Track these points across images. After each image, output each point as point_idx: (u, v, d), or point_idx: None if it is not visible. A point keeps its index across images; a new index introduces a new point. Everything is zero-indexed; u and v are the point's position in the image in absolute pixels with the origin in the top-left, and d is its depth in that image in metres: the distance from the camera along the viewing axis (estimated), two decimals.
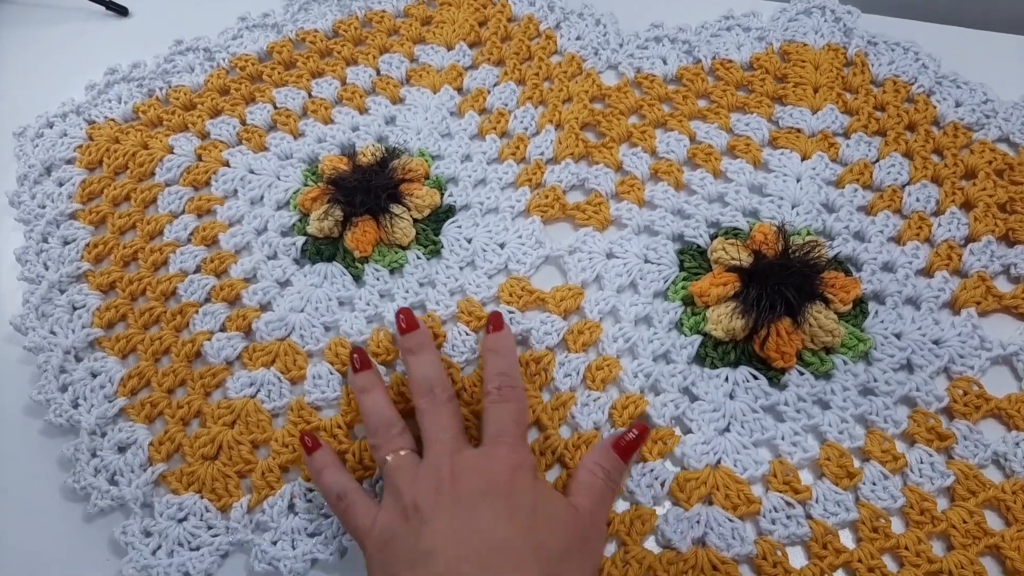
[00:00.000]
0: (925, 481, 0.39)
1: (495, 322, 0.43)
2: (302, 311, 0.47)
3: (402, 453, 0.39)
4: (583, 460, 0.40)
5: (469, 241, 0.48)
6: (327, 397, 0.44)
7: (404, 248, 0.48)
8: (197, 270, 0.49)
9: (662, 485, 0.40)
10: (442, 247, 0.48)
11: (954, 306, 0.44)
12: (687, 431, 0.42)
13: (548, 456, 0.41)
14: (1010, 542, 0.38)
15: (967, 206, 0.47)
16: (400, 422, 0.40)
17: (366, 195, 0.48)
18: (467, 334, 0.45)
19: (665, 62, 0.55)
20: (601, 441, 0.41)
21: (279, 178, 0.52)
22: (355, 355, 0.43)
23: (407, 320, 0.43)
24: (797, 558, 0.39)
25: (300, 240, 0.49)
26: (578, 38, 0.57)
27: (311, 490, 0.41)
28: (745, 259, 0.44)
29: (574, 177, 0.50)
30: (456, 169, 0.51)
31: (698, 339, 0.44)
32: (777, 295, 0.42)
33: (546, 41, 0.57)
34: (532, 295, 0.46)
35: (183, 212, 0.52)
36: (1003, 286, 0.45)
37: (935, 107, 0.51)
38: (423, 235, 0.49)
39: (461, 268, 0.48)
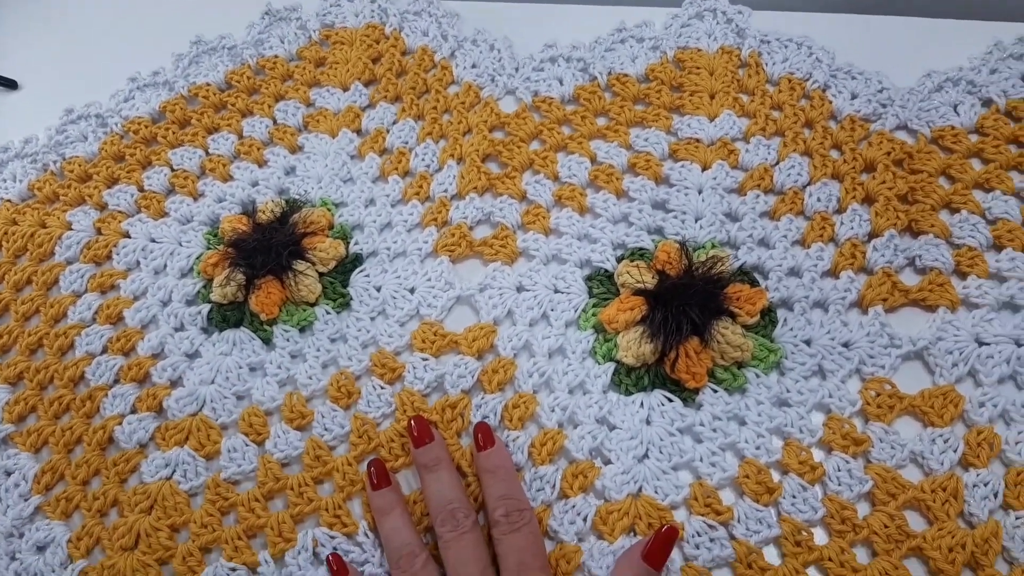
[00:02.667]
0: (844, 489, 0.39)
1: (484, 437, 0.41)
2: (212, 383, 0.46)
3: None
4: None
5: (378, 289, 0.48)
6: (244, 470, 0.43)
7: (312, 305, 0.47)
8: (104, 351, 0.48)
9: (584, 520, 0.40)
10: (351, 299, 0.48)
11: (862, 305, 0.44)
12: (607, 462, 0.41)
13: (475, 503, 0.41)
14: (932, 542, 0.38)
15: (868, 201, 0.47)
16: (424, 551, 0.39)
17: (267, 255, 0.47)
18: (382, 388, 0.44)
19: (561, 82, 0.54)
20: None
21: (181, 244, 0.51)
22: (372, 469, 0.41)
23: (420, 430, 0.41)
24: None
25: (205, 308, 0.48)
26: (474, 66, 0.56)
27: (234, 569, 0.41)
28: (649, 281, 0.44)
29: (479, 212, 0.50)
30: (360, 215, 0.51)
31: (611, 367, 0.43)
32: (682, 315, 0.42)
33: (442, 72, 0.56)
34: (445, 339, 0.46)
35: (86, 291, 0.50)
36: (911, 279, 0.45)
37: (831, 102, 0.51)
38: (330, 289, 0.48)
39: (372, 318, 0.47)
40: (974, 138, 0.49)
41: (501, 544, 0.38)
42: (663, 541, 0.37)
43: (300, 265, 0.47)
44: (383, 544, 0.40)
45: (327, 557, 0.40)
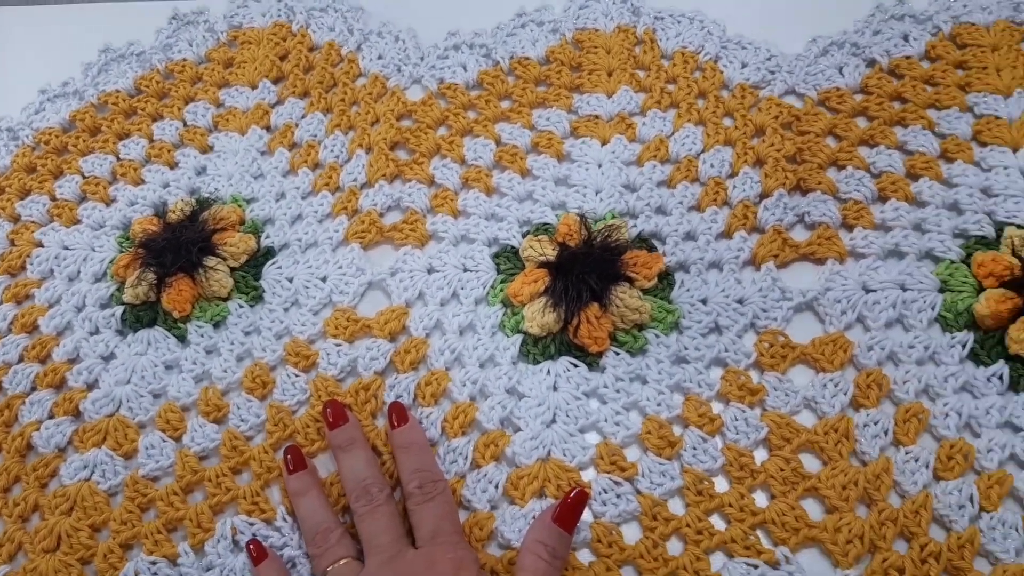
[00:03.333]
0: (741, 437, 0.41)
1: (398, 415, 0.42)
2: (128, 383, 0.46)
3: (342, 563, 0.38)
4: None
5: (290, 280, 0.48)
6: (162, 466, 0.43)
7: (224, 299, 0.48)
8: (20, 360, 0.48)
9: (496, 487, 0.41)
10: (263, 291, 0.48)
11: (754, 262, 0.46)
12: (517, 430, 0.43)
13: (392, 481, 0.42)
14: (826, 481, 0.40)
15: (759, 164, 0.49)
16: (338, 527, 0.39)
17: (176, 253, 0.47)
18: (296, 376, 0.45)
19: (465, 68, 0.55)
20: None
21: (93, 250, 0.51)
22: (288, 455, 0.42)
23: (334, 412, 0.42)
24: (633, 533, 0.40)
25: (118, 310, 0.48)
26: (380, 57, 0.57)
27: (154, 563, 0.41)
28: (550, 253, 0.46)
29: (388, 198, 0.51)
30: (271, 209, 0.51)
31: (519, 338, 0.45)
32: (581, 284, 0.44)
33: (349, 65, 0.57)
34: (358, 324, 0.46)
35: (1, 303, 0.51)
36: (801, 235, 0.47)
37: (722, 72, 0.53)
38: (242, 282, 0.48)
39: (286, 309, 0.48)
40: (859, 98, 0.51)
41: (415, 514, 0.39)
42: (573, 505, 0.38)
43: (210, 261, 0.48)
44: (300, 525, 0.40)
45: (247, 543, 0.40)
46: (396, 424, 0.42)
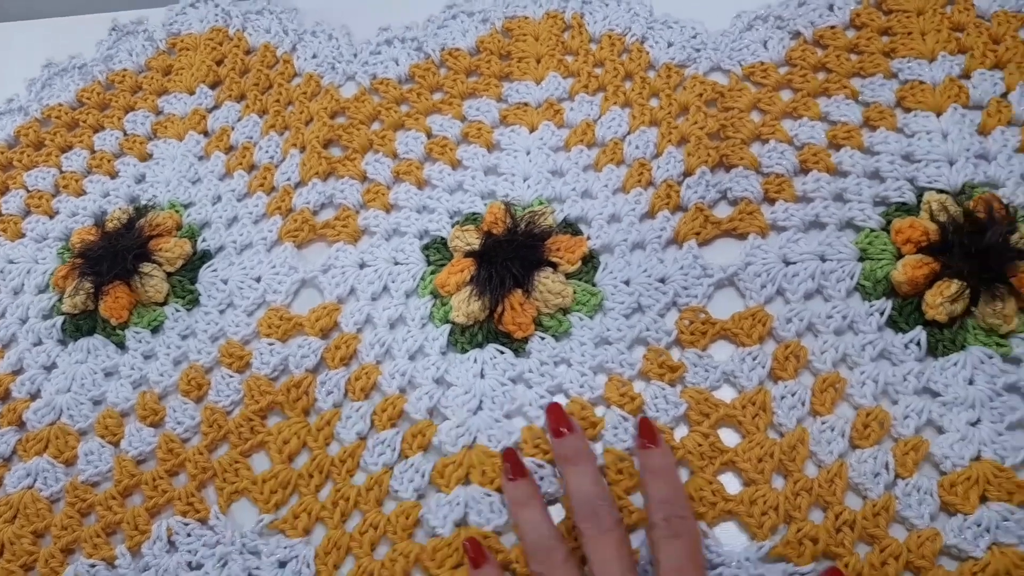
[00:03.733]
0: (661, 414, 0.41)
1: (649, 437, 0.40)
2: (68, 391, 0.47)
3: None
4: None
5: (225, 282, 0.49)
6: (101, 471, 0.45)
7: (161, 304, 0.49)
8: None
9: (423, 476, 0.42)
10: (199, 295, 0.49)
11: (677, 241, 0.47)
12: (445, 419, 0.43)
13: (317, 477, 0.43)
14: (743, 454, 0.40)
15: (683, 142, 0.49)
16: (563, 546, 0.37)
17: (112, 261, 0.48)
18: (231, 376, 0.46)
19: (397, 63, 0.56)
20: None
21: (37, 262, 0.52)
22: (508, 462, 0.40)
23: (559, 420, 0.41)
24: (557, 513, 0.41)
25: (59, 320, 0.49)
26: (314, 56, 0.57)
27: (93, 566, 0.42)
28: (474, 242, 0.46)
29: (321, 196, 0.51)
30: (208, 213, 0.52)
31: (447, 328, 0.45)
32: (504, 271, 0.44)
33: (284, 66, 0.57)
34: (291, 322, 0.47)
35: None
36: (725, 211, 0.47)
37: (648, 53, 0.53)
38: (179, 287, 0.49)
39: (221, 312, 0.49)
40: (784, 71, 0.51)
41: (658, 547, 0.36)
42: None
43: (146, 267, 0.49)
44: (520, 537, 0.39)
45: (464, 543, 0.39)
46: (646, 445, 0.40)
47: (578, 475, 0.39)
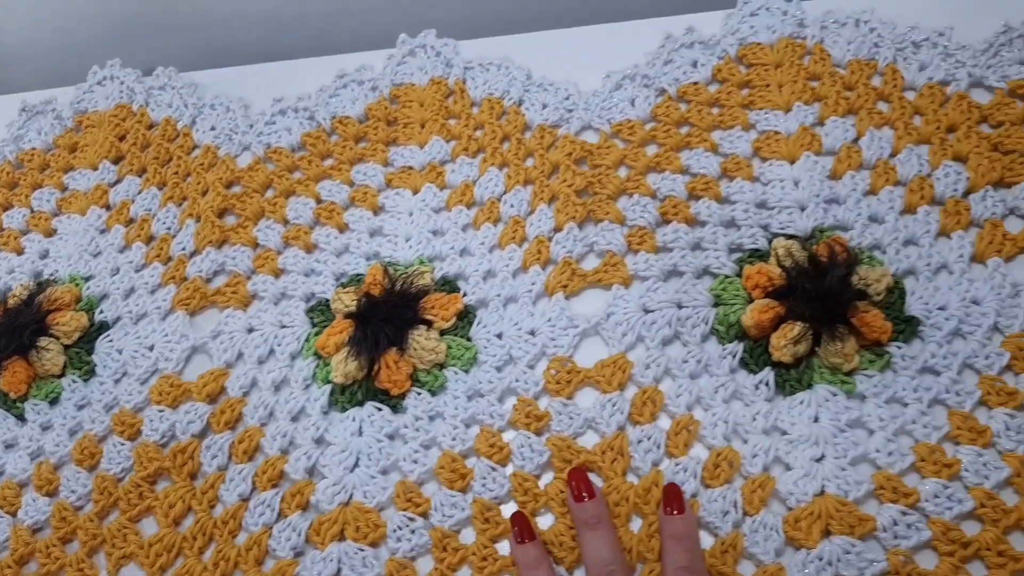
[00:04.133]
0: (527, 463, 0.43)
1: (676, 504, 0.40)
2: None
3: None
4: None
5: (120, 352, 0.51)
6: None
7: (59, 376, 0.51)
8: None
9: (299, 535, 0.43)
10: (95, 365, 0.51)
11: (547, 293, 0.49)
12: (323, 478, 0.45)
13: (201, 539, 0.44)
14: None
15: (554, 199, 0.52)
16: None
17: (10, 337, 0.50)
18: (122, 444, 0.48)
19: (290, 132, 0.58)
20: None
21: None
22: (517, 526, 0.41)
23: (581, 486, 0.41)
24: (427, 565, 0.42)
25: None
26: (212, 128, 0.60)
27: None
28: (351, 304, 0.48)
29: (214, 263, 0.54)
30: (106, 285, 0.54)
31: (328, 388, 0.47)
32: (379, 331, 0.46)
33: (184, 139, 0.60)
34: (180, 388, 0.49)
35: None
36: (593, 263, 0.50)
37: (524, 115, 0.56)
38: (76, 358, 0.51)
39: (116, 381, 0.50)
40: (651, 126, 0.54)
41: None
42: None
43: (43, 342, 0.50)
44: None
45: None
46: (672, 511, 0.40)
47: (596, 540, 0.40)
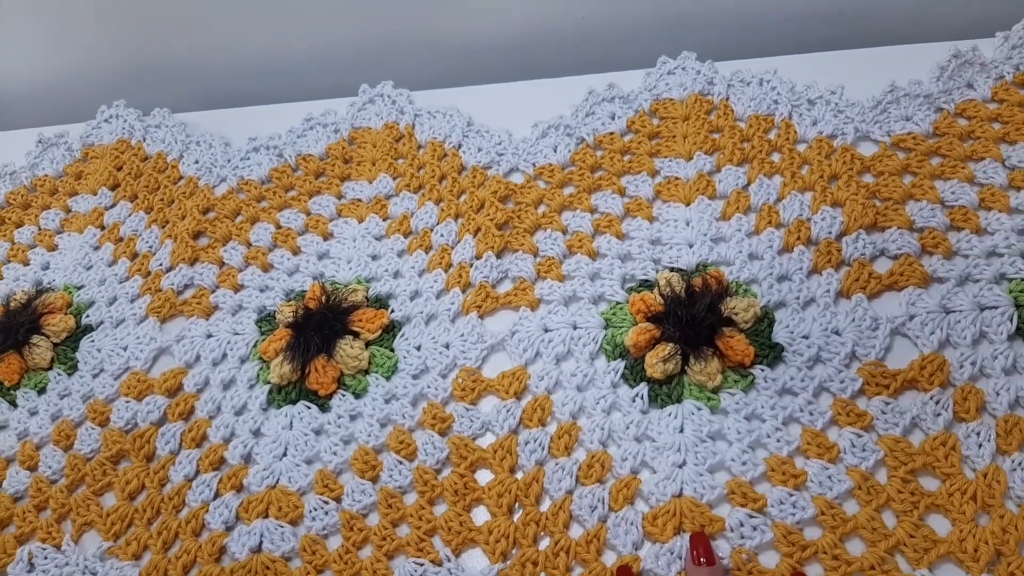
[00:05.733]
0: (429, 458, 0.49)
1: (706, 555, 0.42)
2: None
3: None
4: None
5: (99, 351, 0.59)
6: None
7: (47, 370, 0.59)
8: None
9: (231, 511, 0.50)
10: (78, 361, 0.59)
11: (464, 312, 0.55)
12: (255, 464, 0.52)
13: (150, 511, 0.50)
14: (488, 491, 0.47)
15: (478, 231, 0.59)
16: None
17: (7, 334, 0.59)
18: (93, 429, 0.55)
19: (260, 166, 0.67)
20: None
21: None
22: (698, 548, 0.42)
23: (700, 552, 0.42)
24: (337, 542, 0.48)
25: None
26: (196, 162, 0.69)
27: None
28: (289, 316, 0.55)
29: (185, 278, 0.61)
30: (94, 293, 0.63)
31: (267, 388, 0.54)
32: (310, 338, 0.53)
33: (171, 170, 0.69)
34: (145, 383, 0.57)
35: None
36: (506, 288, 0.56)
37: (461, 157, 0.63)
38: (62, 355, 0.59)
39: (94, 375, 0.58)
40: (569, 170, 0.61)
41: None
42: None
43: (35, 339, 0.59)
44: None
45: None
46: (700, 561, 0.42)
47: None
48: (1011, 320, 0.48)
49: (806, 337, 0.50)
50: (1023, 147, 0.55)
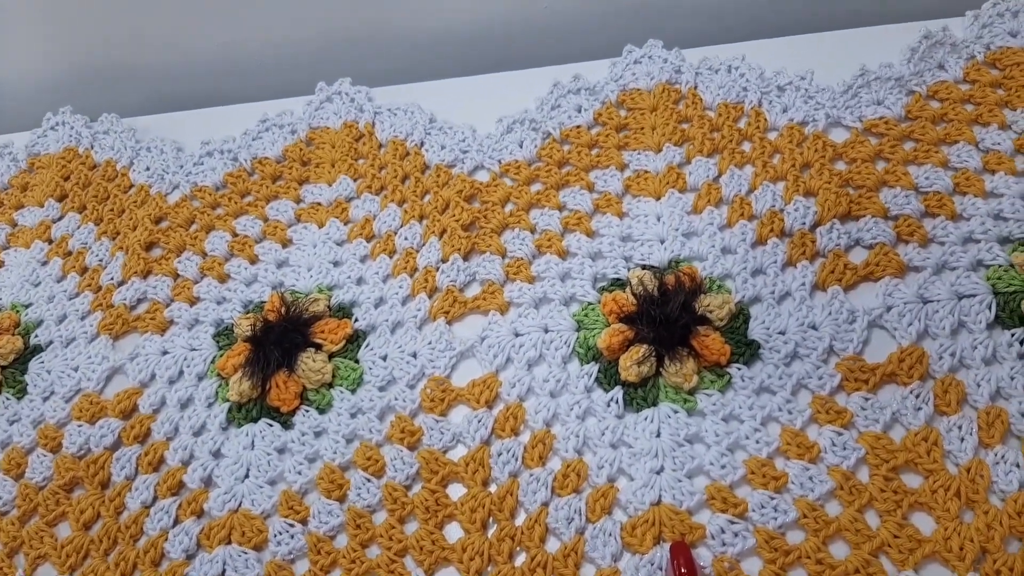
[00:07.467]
0: (398, 474, 0.47)
1: (685, 562, 0.41)
2: None
3: None
4: None
5: (49, 372, 0.56)
6: None
7: None
8: None
9: (191, 539, 0.47)
10: (27, 384, 0.56)
11: (431, 318, 0.53)
12: (216, 487, 0.49)
13: (106, 542, 0.48)
14: (461, 507, 0.45)
15: (444, 233, 0.57)
16: None
17: None
18: (44, 455, 0.52)
19: (215, 171, 0.64)
20: None
21: None
22: (678, 557, 0.41)
23: (683, 562, 0.41)
24: (302, 566, 0.46)
25: None
26: (147, 169, 0.66)
27: None
28: (248, 329, 0.53)
29: (138, 292, 0.59)
30: (42, 312, 0.60)
31: (226, 406, 0.52)
32: (270, 353, 0.51)
33: (121, 178, 0.66)
34: (98, 405, 0.54)
35: None
36: (474, 291, 0.54)
37: (423, 155, 0.61)
38: (10, 378, 0.57)
39: (44, 399, 0.55)
40: (536, 166, 0.59)
41: None
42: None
43: None
44: None
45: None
46: (681, 572, 0.41)
47: None
48: (989, 308, 0.47)
49: (782, 333, 0.49)
50: (996, 129, 0.54)
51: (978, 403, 0.44)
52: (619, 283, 0.52)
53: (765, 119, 0.57)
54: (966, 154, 0.53)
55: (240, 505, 0.48)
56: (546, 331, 0.51)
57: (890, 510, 0.42)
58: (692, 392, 0.47)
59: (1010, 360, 0.45)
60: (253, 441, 0.50)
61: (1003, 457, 0.43)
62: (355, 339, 0.53)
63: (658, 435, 0.46)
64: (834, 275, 0.50)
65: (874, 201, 0.52)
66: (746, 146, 0.57)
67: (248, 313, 0.55)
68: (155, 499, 0.49)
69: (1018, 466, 0.42)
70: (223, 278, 0.58)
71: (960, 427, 0.44)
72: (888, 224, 0.51)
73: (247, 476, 0.49)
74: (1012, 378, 0.44)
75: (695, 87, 0.60)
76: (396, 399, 0.50)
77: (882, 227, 0.51)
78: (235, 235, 0.60)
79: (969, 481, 0.42)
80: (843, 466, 0.44)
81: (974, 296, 0.47)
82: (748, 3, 0.69)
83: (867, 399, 0.45)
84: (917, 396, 0.45)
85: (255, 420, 0.51)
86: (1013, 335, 0.46)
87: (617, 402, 0.48)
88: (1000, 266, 0.48)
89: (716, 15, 0.69)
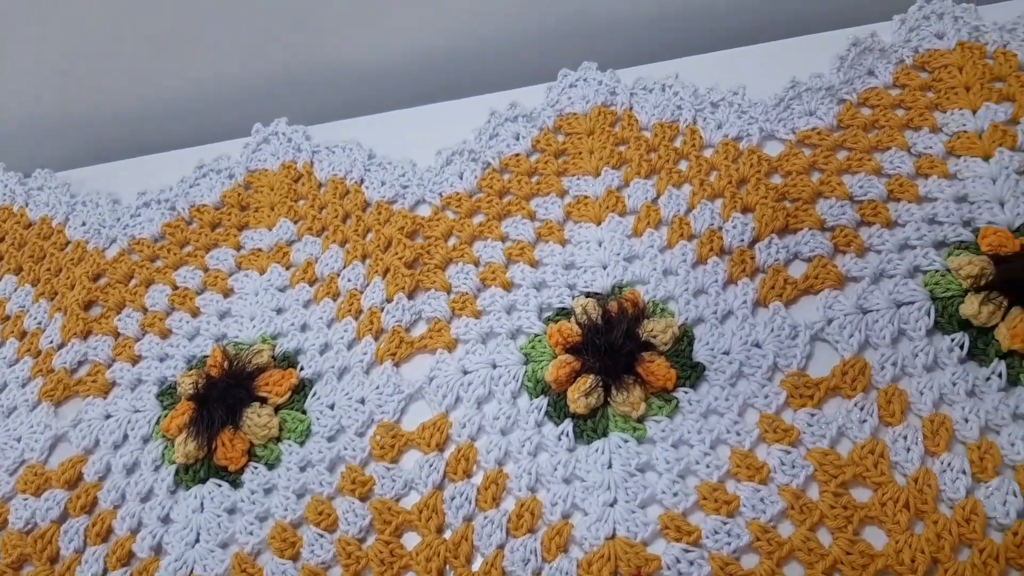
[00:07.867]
0: (351, 527, 0.46)
1: None
2: None
3: None
4: None
5: None
6: None
7: None
8: None
9: None
10: None
11: (379, 361, 0.53)
12: (166, 554, 0.48)
13: None
14: (416, 557, 0.45)
15: (387, 272, 0.56)
16: None
17: None
18: None
19: (152, 223, 0.63)
20: None
21: None
22: None
23: None
24: None
25: None
26: (83, 224, 0.64)
27: None
28: (189, 387, 0.52)
29: (78, 354, 0.57)
30: None
31: (173, 468, 0.51)
32: (213, 411, 0.50)
33: (57, 235, 0.64)
34: (43, 477, 0.52)
35: None
36: (421, 330, 0.54)
37: (364, 193, 0.60)
38: None
39: None
40: (477, 197, 0.58)
41: None
42: None
43: None
44: None
45: None
46: None
47: None
48: (928, 314, 0.47)
49: (727, 353, 0.49)
50: (928, 133, 0.55)
51: (922, 411, 0.45)
52: (564, 312, 0.52)
53: (700, 136, 0.57)
54: (899, 160, 0.54)
55: (192, 572, 0.47)
56: (494, 367, 0.50)
57: (841, 527, 0.42)
58: (641, 420, 0.47)
59: (951, 366, 0.46)
60: (202, 503, 0.49)
61: (949, 464, 0.43)
62: (301, 389, 0.52)
63: (610, 466, 0.46)
64: (775, 291, 0.50)
65: (810, 213, 0.52)
66: (683, 165, 0.57)
67: (191, 370, 0.54)
68: (105, 571, 0.48)
69: (964, 473, 0.43)
70: (165, 334, 0.57)
71: (906, 437, 0.44)
72: (825, 236, 0.51)
73: (197, 541, 0.48)
74: (954, 384, 0.45)
75: (630, 108, 0.60)
76: (345, 449, 0.49)
77: (819, 239, 0.51)
78: (175, 288, 0.59)
79: (917, 491, 0.42)
80: (793, 485, 0.44)
81: (912, 303, 0.48)
82: (681, 19, 0.69)
83: (813, 415, 0.45)
84: (861, 408, 0.45)
85: (203, 481, 0.50)
86: (953, 340, 0.46)
87: (568, 435, 0.47)
88: (937, 271, 0.48)
89: (648, 33, 0.69)
